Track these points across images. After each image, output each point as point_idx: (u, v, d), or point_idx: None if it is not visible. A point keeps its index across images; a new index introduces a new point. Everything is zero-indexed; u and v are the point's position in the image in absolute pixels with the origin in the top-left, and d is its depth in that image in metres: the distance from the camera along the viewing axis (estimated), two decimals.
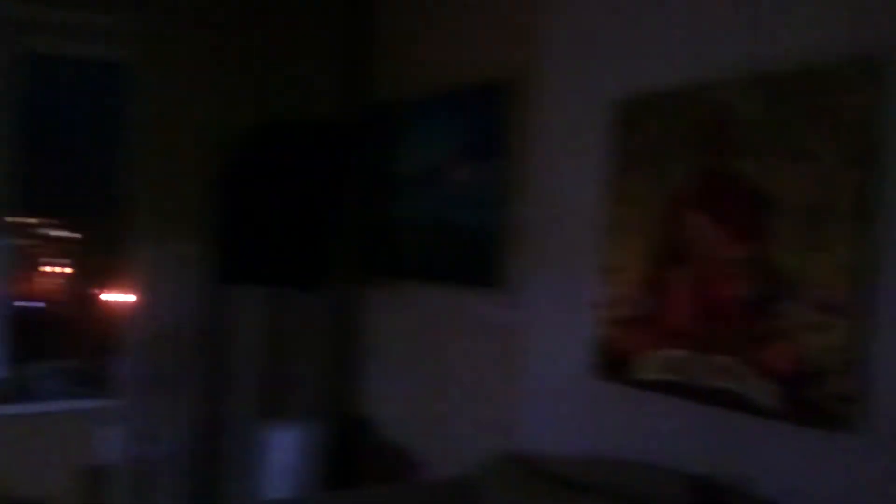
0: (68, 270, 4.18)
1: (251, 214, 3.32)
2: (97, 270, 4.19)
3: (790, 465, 1.89)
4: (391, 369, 3.54)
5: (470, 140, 3.08)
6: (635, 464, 2.24)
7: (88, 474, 3.45)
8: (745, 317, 1.97)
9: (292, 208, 3.39)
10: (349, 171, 3.65)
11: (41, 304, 4.02)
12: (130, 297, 3.46)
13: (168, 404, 3.40)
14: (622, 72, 2.43)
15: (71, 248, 4.20)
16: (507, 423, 2.82)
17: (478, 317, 3.02)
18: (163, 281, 3.40)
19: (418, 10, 3.47)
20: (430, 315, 3.31)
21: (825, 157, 1.79)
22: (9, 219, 3.46)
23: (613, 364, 2.35)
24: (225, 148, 3.39)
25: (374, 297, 3.67)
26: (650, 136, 2.27)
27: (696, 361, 2.09)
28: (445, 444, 3.15)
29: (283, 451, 3.45)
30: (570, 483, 2.25)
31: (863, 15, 1.78)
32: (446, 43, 3.27)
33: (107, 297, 4.14)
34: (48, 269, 4.10)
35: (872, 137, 1.72)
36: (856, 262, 1.72)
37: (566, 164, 2.62)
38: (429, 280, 3.30)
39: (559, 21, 2.68)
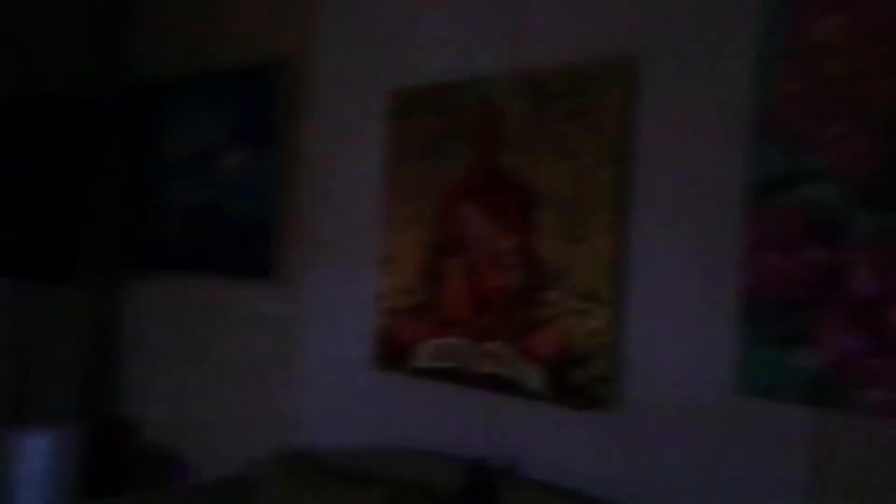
0: None
1: None
2: None
3: (555, 444, 2.02)
4: (157, 367, 3.32)
5: (241, 124, 2.95)
6: (414, 452, 2.28)
7: None
8: (514, 305, 2.08)
9: (37, 193, 3.07)
10: (104, 154, 3.36)
11: None
12: None
13: None
14: (397, 61, 2.45)
15: None
16: (287, 419, 2.75)
17: (252, 309, 2.92)
18: None
19: None
20: (199, 308, 3.14)
21: (584, 155, 1.93)
22: None
23: (393, 354, 2.37)
24: None
25: (137, 289, 3.43)
26: (424, 129, 2.30)
27: (470, 348, 2.16)
28: (219, 445, 3.02)
29: (34, 458, 3.13)
30: (349, 476, 2.25)
31: (619, 18, 1.93)
32: (214, 19, 3.10)
33: None
34: None
35: (626, 136, 1.88)
36: (611, 254, 1.87)
37: (344, 152, 2.60)
38: (198, 271, 3.13)
39: (335, 2, 2.65)
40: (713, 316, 1.72)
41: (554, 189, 1.99)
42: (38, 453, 3.12)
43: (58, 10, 3.26)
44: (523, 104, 2.06)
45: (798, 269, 1.57)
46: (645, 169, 1.85)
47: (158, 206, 3.28)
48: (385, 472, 2.24)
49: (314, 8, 2.69)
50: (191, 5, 3.21)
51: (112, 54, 3.42)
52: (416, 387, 2.32)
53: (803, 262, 1.57)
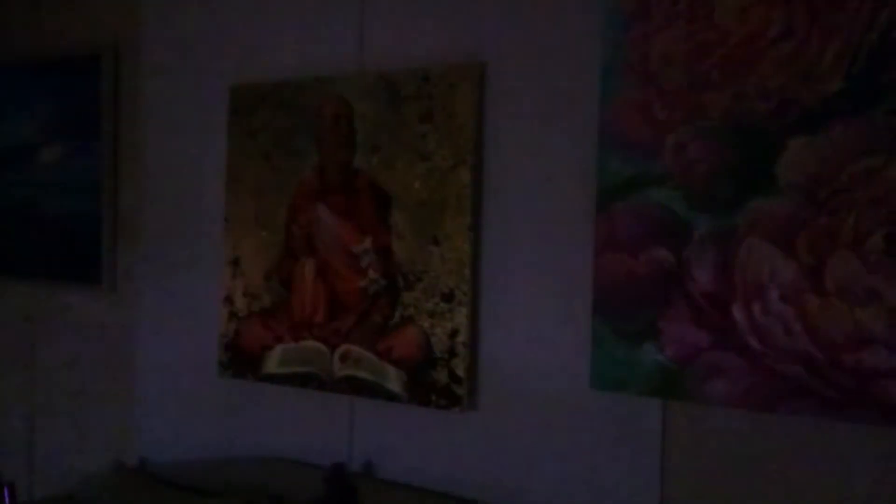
0: None
1: None
2: None
3: (415, 445, 2.03)
4: None
5: (61, 116, 2.72)
6: (268, 460, 2.22)
7: None
8: (371, 307, 2.06)
9: None
10: None
11: None
12: None
13: None
14: (238, 56, 2.34)
15: None
16: (123, 433, 2.58)
17: (79, 317, 2.70)
18: None
19: None
20: (14, 316, 2.88)
21: (438, 157, 1.94)
22: None
23: (241, 360, 2.28)
24: None
25: None
26: (270, 127, 2.22)
27: (326, 352, 2.12)
28: (44, 463, 2.79)
29: None
30: (199, 489, 2.15)
31: (467, 23, 1.94)
32: (31, 0, 2.83)
33: None
34: None
35: (477, 139, 1.91)
36: (468, 255, 1.90)
37: (181, 149, 2.46)
38: (11, 276, 2.86)
39: None
40: (567, 314, 1.79)
41: (408, 191, 1.99)
42: None
43: None
44: (374, 105, 2.04)
45: (643, 268, 1.67)
46: (497, 172, 1.89)
47: None
48: (236, 482, 2.16)
49: None
50: None
51: None
52: (268, 393, 2.25)
53: (648, 261, 1.67)
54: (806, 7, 1.54)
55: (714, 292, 1.60)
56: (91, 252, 2.62)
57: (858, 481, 1.52)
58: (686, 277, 1.63)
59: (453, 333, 1.92)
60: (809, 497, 1.57)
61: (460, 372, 1.90)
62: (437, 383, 1.93)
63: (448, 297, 1.92)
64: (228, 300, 2.31)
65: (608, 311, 1.72)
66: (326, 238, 2.14)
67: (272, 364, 2.24)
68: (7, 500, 2.77)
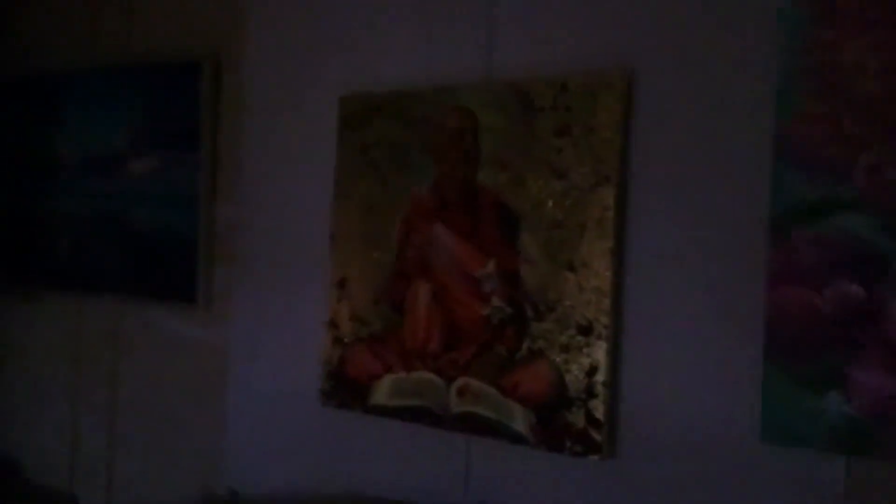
0: None
1: None
2: None
3: (544, 493, 1.83)
4: (46, 399, 2.92)
5: (155, 125, 2.61)
6: (372, 499, 2.05)
7: None
8: (494, 338, 1.88)
9: None
10: None
11: None
12: None
13: None
14: (351, 63, 2.19)
15: None
16: (210, 460, 2.44)
17: (168, 337, 2.58)
18: None
19: None
20: (100, 334, 2.77)
21: (576, 174, 1.75)
22: None
23: (346, 389, 2.12)
24: None
25: (18, 311, 3.00)
26: (384, 140, 2.07)
27: (441, 385, 1.95)
28: (120, 489, 2.67)
29: None
30: None
31: (615, 26, 1.76)
32: (125, 3, 2.74)
33: None
34: None
35: (624, 155, 1.72)
36: (607, 283, 1.71)
37: (285, 162, 2.32)
38: (98, 292, 2.76)
39: None
40: (729, 355, 1.58)
41: (540, 210, 1.80)
42: None
43: None
44: (503, 117, 1.87)
45: (828, 305, 1.46)
46: (645, 191, 1.69)
47: (47, 215, 2.88)
48: None
49: None
50: None
51: None
52: (373, 427, 2.08)
53: (834, 297, 1.46)
54: None
55: None
56: (185, 268, 2.50)
57: None
58: (880, 317, 1.42)
59: (591, 371, 1.72)
60: None
61: (599, 415, 1.70)
62: (571, 426, 1.74)
63: (586, 330, 1.73)
64: (333, 324, 2.15)
65: (784, 354, 1.51)
66: (443, 260, 1.97)
67: (381, 395, 2.07)
68: None
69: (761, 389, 1.53)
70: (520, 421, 1.81)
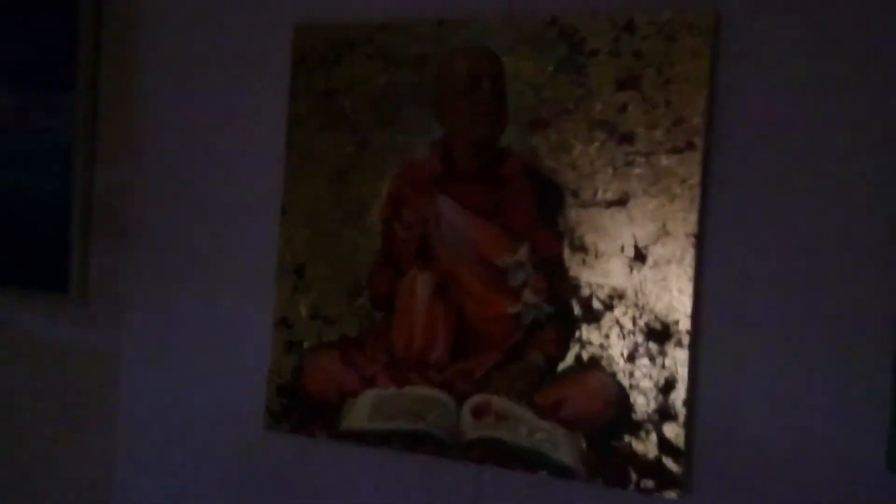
0: None
1: None
2: None
3: None
4: None
5: (12, 50, 1.93)
6: None
7: None
8: (526, 344, 1.48)
9: None
10: None
11: None
12: None
13: None
14: None
15: None
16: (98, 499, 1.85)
17: (32, 339, 1.93)
18: None
19: None
20: None
21: (645, 138, 1.38)
22: None
23: (306, 409, 1.62)
24: None
25: None
26: (363, 84, 1.58)
27: (449, 403, 1.52)
28: None
29: None
30: None
31: None
32: None
33: None
34: None
35: (708, 117, 1.36)
36: (687, 275, 1.37)
37: (212, 109, 1.74)
38: None
39: None
40: (851, 365, 1.28)
41: (593, 182, 1.42)
42: None
43: None
44: (540, 62, 1.46)
45: None
46: (734, 163, 1.35)
47: None
48: None
49: None
50: None
51: None
52: (347, 457, 1.60)
53: None
54: None
55: None
56: (53, 248, 1.85)
57: None
58: None
59: (667, 386, 1.38)
60: None
61: (679, 442, 1.36)
62: (638, 456, 1.38)
63: (660, 335, 1.38)
64: (285, 323, 1.65)
65: None
66: (452, 243, 1.54)
67: (358, 416, 1.60)
68: None
69: (887, 411, 1.26)
70: (564, 449, 1.43)
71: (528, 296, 1.47)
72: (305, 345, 1.62)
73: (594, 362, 1.41)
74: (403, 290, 1.56)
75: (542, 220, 1.45)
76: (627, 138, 1.39)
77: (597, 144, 1.41)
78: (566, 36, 1.43)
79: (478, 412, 1.50)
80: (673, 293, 1.36)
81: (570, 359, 1.43)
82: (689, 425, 1.35)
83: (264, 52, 1.68)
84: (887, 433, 1.26)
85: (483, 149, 1.50)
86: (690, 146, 1.35)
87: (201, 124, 1.75)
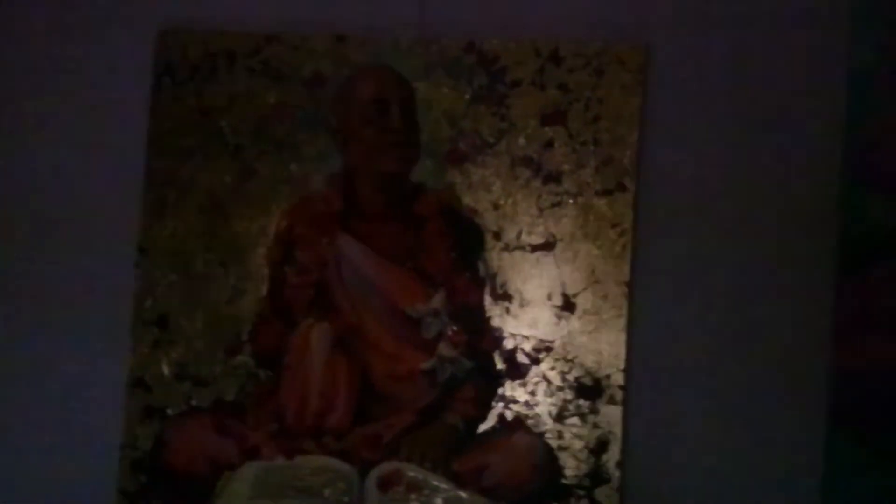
0: None
1: None
2: None
3: None
4: None
5: None
6: None
7: None
8: (442, 404, 1.31)
9: None
10: None
11: None
12: None
13: None
14: None
15: None
16: None
17: None
18: None
19: None
20: None
21: (574, 177, 1.26)
22: None
23: (169, 487, 1.35)
24: None
25: None
26: (248, 104, 1.35)
27: (351, 474, 1.32)
28: None
29: None
30: None
31: None
32: None
33: None
34: None
35: (638, 150, 1.28)
36: (620, 324, 1.27)
37: (52, 131, 1.43)
38: None
39: None
40: (786, 420, 1.25)
41: (517, 223, 1.30)
42: None
43: None
44: (456, 89, 1.31)
45: None
46: (662, 204, 1.29)
47: None
48: None
49: None
50: None
51: None
52: None
53: None
54: None
55: None
56: None
57: None
58: None
59: (600, 447, 1.27)
60: None
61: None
62: None
63: (591, 391, 1.27)
64: (142, 386, 1.36)
65: (853, 420, 1.23)
66: (356, 290, 1.33)
67: (236, 494, 1.32)
68: None
69: (822, 464, 1.24)
70: None
71: (443, 349, 1.31)
72: (169, 411, 1.35)
73: (519, 422, 1.28)
74: (295, 344, 1.33)
75: (460, 265, 1.29)
76: (554, 177, 1.29)
77: (520, 182, 1.29)
78: (485, 63, 1.31)
79: (385, 483, 1.31)
80: (604, 345, 1.27)
81: (491, 419, 1.29)
82: (622, 488, 1.26)
83: (117, 58, 1.40)
84: (819, 487, 1.25)
85: (392, 183, 1.32)
86: (621, 187, 1.27)
87: (38, 142, 1.42)
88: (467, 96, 1.29)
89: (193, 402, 1.34)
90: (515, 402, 1.27)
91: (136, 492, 1.35)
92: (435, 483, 1.29)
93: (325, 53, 1.33)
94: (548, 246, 1.27)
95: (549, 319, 1.27)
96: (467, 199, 1.29)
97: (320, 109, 1.33)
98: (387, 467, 1.31)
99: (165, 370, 1.35)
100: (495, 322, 1.28)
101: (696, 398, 1.26)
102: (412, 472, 1.30)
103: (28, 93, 1.42)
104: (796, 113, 1.26)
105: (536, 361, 1.27)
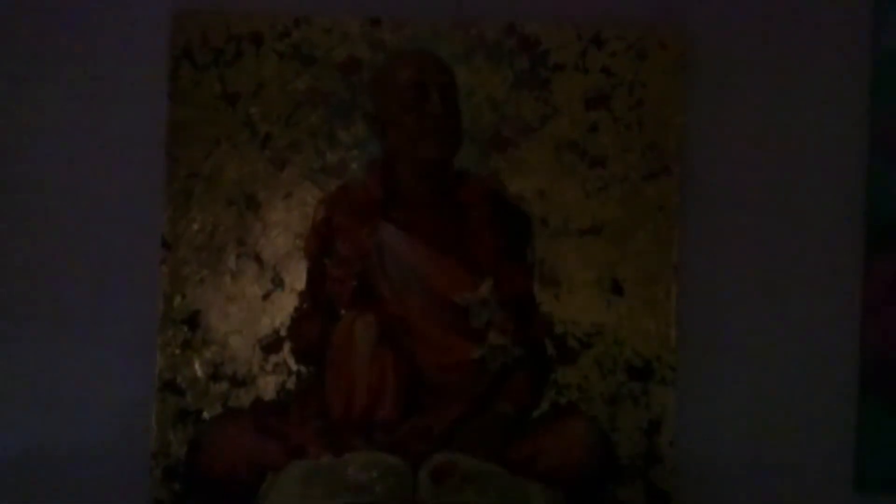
0: None
1: None
2: None
3: None
4: None
5: None
6: None
7: None
8: (494, 392, 1.29)
9: None
10: None
11: None
12: None
13: None
14: None
15: None
16: None
17: None
18: None
19: None
20: None
21: (619, 161, 1.26)
22: None
23: (207, 495, 1.28)
24: None
25: None
26: (278, 91, 1.28)
27: (403, 468, 1.28)
28: None
29: None
30: None
31: None
32: None
33: None
34: None
35: (682, 138, 1.29)
36: (670, 308, 1.28)
37: (67, 119, 1.33)
38: None
39: None
40: (822, 392, 1.29)
41: (565, 210, 1.28)
42: None
43: None
44: (497, 73, 1.29)
45: None
46: (707, 188, 1.30)
47: None
48: None
49: None
50: None
51: None
52: None
53: None
54: None
55: None
56: None
57: None
58: None
59: (652, 428, 1.28)
60: None
61: (667, 485, 1.27)
62: None
63: (642, 373, 1.28)
64: (172, 389, 1.29)
65: (885, 386, 1.28)
66: (400, 281, 1.29)
67: (284, 496, 1.28)
68: None
69: (855, 431, 1.29)
70: None
71: (493, 337, 1.29)
72: (205, 414, 1.28)
73: (572, 408, 1.27)
74: (339, 338, 1.28)
75: (508, 252, 1.28)
76: (599, 161, 1.29)
77: (566, 167, 1.29)
78: (527, 46, 1.29)
79: (439, 475, 1.28)
80: (654, 327, 1.28)
81: (545, 407, 1.28)
82: (675, 467, 1.28)
83: (131, 42, 1.31)
84: (853, 458, 1.30)
85: (435, 170, 1.29)
86: (667, 170, 1.28)
87: (52, 132, 1.31)
88: (509, 81, 1.28)
89: (230, 404, 1.28)
90: (567, 387, 1.27)
91: (171, 500, 1.28)
92: (489, 472, 1.28)
93: (359, 37, 1.29)
94: (595, 230, 1.28)
95: (599, 304, 1.27)
96: (512, 186, 1.27)
97: (356, 95, 1.29)
98: (440, 459, 1.28)
99: (198, 371, 1.28)
100: (544, 308, 1.27)
101: (740, 376, 1.30)
102: (466, 462, 1.29)
103: (36, 84, 1.31)
104: (824, 94, 1.30)
105: (588, 346, 1.27)
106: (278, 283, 1.29)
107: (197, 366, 1.28)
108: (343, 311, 1.29)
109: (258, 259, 1.29)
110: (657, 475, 1.26)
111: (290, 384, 1.28)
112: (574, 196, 1.27)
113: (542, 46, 1.28)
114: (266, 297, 1.29)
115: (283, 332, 1.28)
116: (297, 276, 1.28)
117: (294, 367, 1.28)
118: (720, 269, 1.30)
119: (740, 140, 1.30)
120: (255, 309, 1.29)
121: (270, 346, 1.28)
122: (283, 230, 1.29)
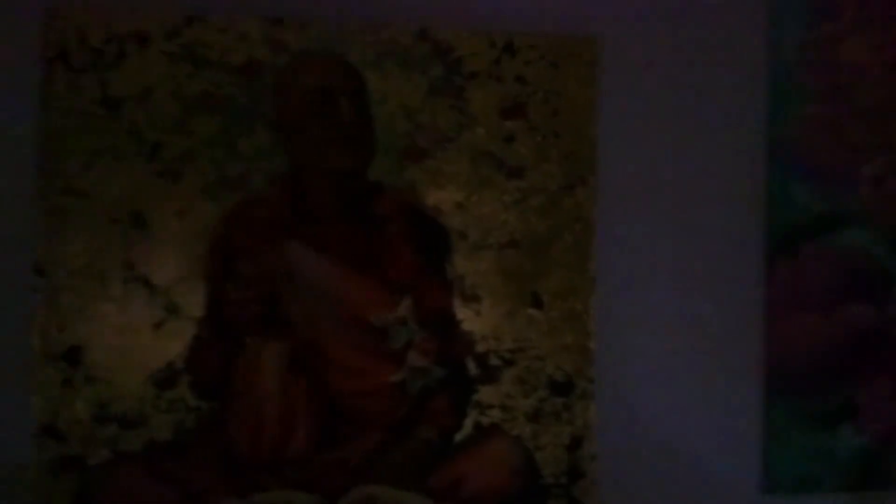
0: None
1: None
2: None
3: None
4: None
5: None
6: None
7: None
8: (414, 417, 1.21)
9: None
10: None
11: None
12: None
13: None
14: None
15: None
16: None
17: None
18: None
19: None
20: None
21: (537, 172, 1.22)
22: None
23: None
24: None
25: None
26: (169, 95, 1.15)
27: None
28: None
29: None
30: None
31: None
32: None
33: None
34: None
35: (595, 146, 1.27)
36: (590, 321, 1.25)
37: None
38: None
39: None
40: (728, 399, 1.31)
41: (483, 223, 1.23)
42: None
43: None
44: (410, 80, 1.21)
45: (838, 330, 1.33)
46: (618, 198, 1.29)
47: None
48: None
49: None
50: None
51: None
52: None
53: (844, 321, 1.33)
54: None
55: None
56: None
57: None
58: (892, 337, 1.35)
59: (575, 443, 1.24)
60: None
61: (590, 500, 1.24)
62: None
63: (564, 388, 1.24)
64: (52, 432, 1.12)
65: (790, 390, 1.31)
66: (311, 302, 1.19)
67: None
68: None
69: (761, 435, 1.32)
70: None
71: (413, 359, 1.21)
72: (91, 461, 1.13)
73: (495, 429, 1.23)
74: (243, 368, 1.17)
75: (426, 268, 1.21)
76: (517, 172, 1.24)
77: (483, 179, 1.24)
78: (440, 53, 1.23)
79: None
80: (573, 340, 1.25)
81: (468, 428, 1.23)
82: (597, 480, 1.26)
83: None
84: (761, 453, 1.33)
85: (346, 182, 1.20)
86: (583, 181, 1.26)
87: None
88: (423, 88, 1.21)
89: (119, 448, 1.14)
90: (491, 406, 1.22)
91: None
92: (411, 502, 1.22)
93: (258, 38, 1.18)
94: (514, 244, 1.23)
95: (520, 319, 1.23)
96: (429, 199, 1.21)
97: (256, 101, 1.18)
98: (357, 493, 1.21)
99: (82, 413, 1.13)
100: (466, 326, 1.21)
101: (655, 385, 1.30)
102: (386, 494, 1.21)
103: None
104: (727, 103, 1.33)
105: (510, 363, 1.23)
106: (172, 309, 1.16)
107: (80, 407, 1.13)
108: (248, 339, 1.18)
109: (148, 284, 1.15)
110: (580, 490, 1.24)
111: (189, 422, 1.15)
112: (492, 208, 1.23)
113: (455, 53, 1.22)
114: (158, 326, 1.15)
115: (179, 365, 1.15)
116: (193, 302, 1.15)
117: (193, 402, 1.15)
118: (636, 280, 1.29)
119: (649, 149, 1.30)
120: (145, 340, 1.15)
121: (164, 380, 1.15)
122: (177, 251, 1.16)
